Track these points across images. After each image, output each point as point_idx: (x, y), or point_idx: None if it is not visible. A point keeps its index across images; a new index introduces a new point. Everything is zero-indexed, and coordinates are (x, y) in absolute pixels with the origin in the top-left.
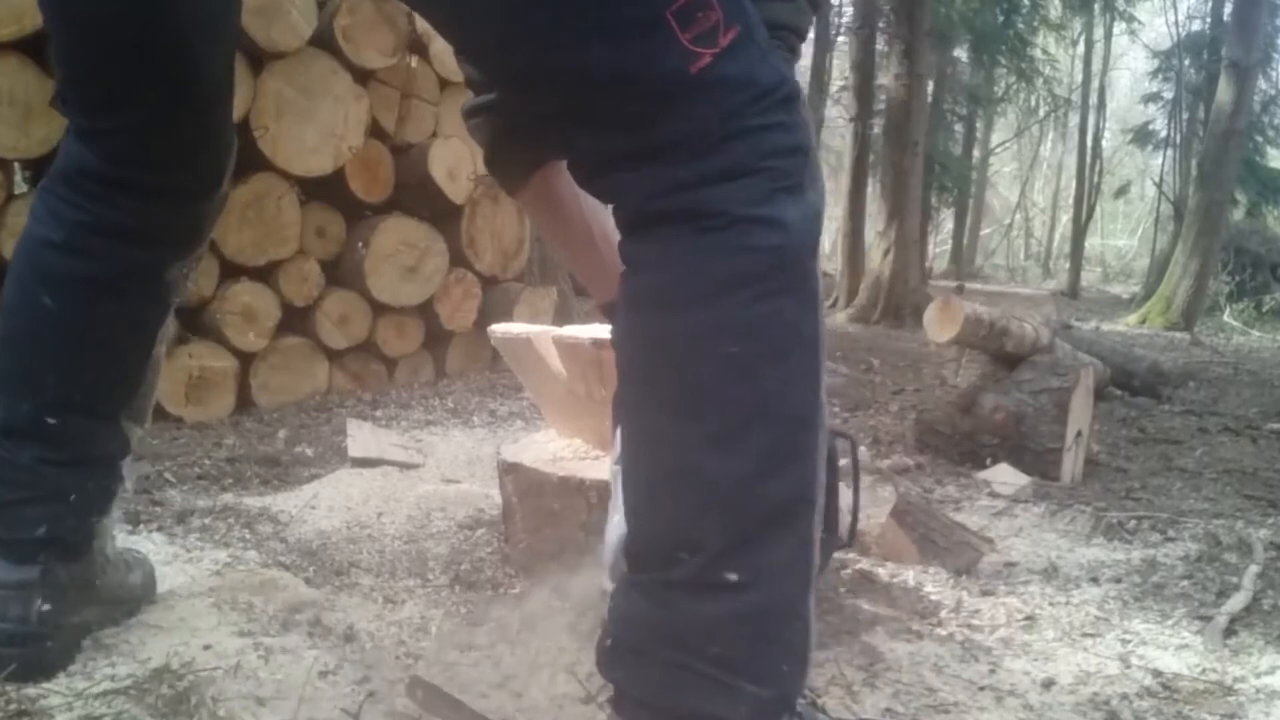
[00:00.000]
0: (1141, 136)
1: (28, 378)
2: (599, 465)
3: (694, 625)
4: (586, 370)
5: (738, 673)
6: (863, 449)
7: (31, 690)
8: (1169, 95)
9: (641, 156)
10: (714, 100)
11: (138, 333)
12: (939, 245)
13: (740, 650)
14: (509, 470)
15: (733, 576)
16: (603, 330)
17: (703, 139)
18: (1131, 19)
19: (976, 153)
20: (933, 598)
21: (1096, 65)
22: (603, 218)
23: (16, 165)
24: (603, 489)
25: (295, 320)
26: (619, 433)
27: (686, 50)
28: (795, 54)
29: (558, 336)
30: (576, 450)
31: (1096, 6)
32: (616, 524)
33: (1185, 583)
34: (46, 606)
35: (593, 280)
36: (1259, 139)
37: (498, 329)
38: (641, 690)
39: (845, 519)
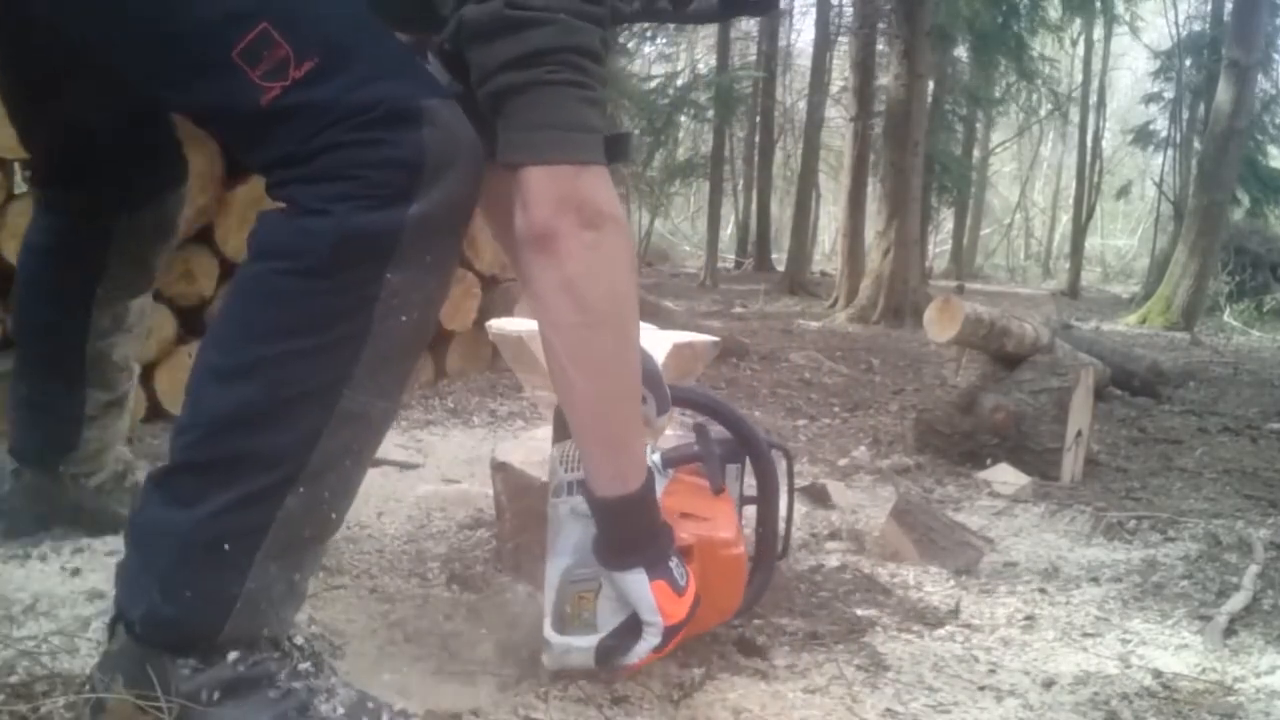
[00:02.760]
0: (1142, 136)
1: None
2: None
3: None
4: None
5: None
6: (862, 447)
7: (32, 690)
8: (1169, 95)
9: (266, 172)
10: (294, 126)
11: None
12: (939, 245)
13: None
14: (498, 469)
15: (194, 485)
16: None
17: (294, 158)
18: (1133, 19)
19: (976, 153)
20: (933, 598)
21: (1096, 65)
22: None
23: (16, 165)
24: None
25: None
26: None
27: (256, 85)
28: (580, 71)
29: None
30: None
31: (1096, 5)
32: (556, 565)
33: (1185, 583)
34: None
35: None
36: (1260, 138)
37: (495, 324)
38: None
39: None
